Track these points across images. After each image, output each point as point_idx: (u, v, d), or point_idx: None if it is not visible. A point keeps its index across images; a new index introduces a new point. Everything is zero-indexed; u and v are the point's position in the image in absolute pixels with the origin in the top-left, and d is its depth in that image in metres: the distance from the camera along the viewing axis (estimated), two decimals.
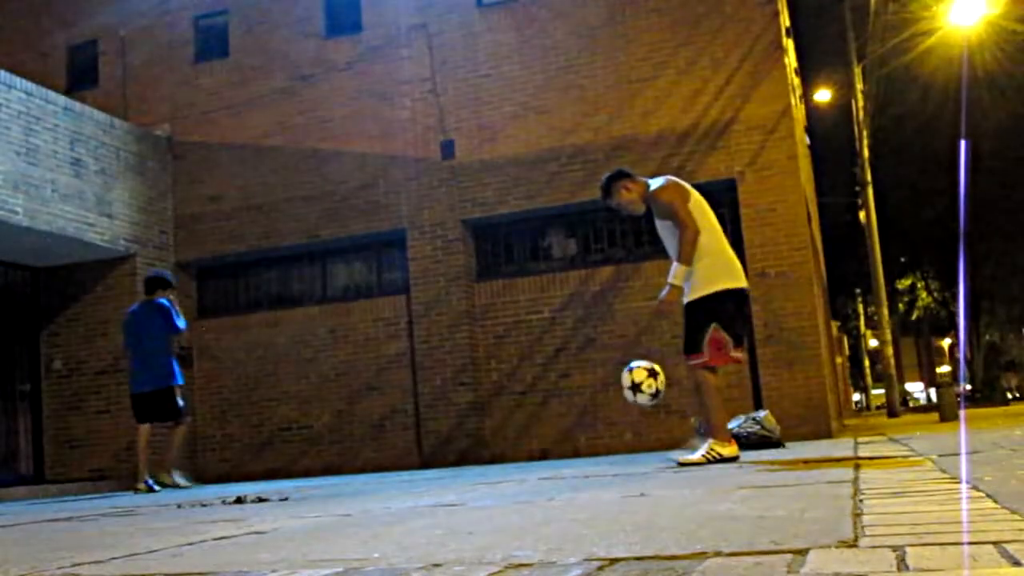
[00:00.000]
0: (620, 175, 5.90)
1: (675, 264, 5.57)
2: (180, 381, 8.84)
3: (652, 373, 5.86)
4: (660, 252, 10.15)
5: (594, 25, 10.49)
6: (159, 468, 8.85)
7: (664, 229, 5.76)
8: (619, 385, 6.04)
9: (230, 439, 11.19)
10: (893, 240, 26.18)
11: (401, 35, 11.10)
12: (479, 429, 10.31)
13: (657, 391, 5.85)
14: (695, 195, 5.71)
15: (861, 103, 19.68)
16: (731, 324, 5.55)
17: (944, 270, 31.30)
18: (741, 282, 5.66)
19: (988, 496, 2.54)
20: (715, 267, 5.55)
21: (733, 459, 5.39)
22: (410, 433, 10.59)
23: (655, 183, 5.80)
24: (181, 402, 8.79)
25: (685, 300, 5.58)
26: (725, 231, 6.01)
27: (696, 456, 5.43)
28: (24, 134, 9.57)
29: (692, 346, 5.54)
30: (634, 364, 5.99)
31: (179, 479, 8.89)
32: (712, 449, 5.39)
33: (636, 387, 5.85)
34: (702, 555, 1.85)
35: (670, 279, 5.56)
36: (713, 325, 5.48)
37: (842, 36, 19.21)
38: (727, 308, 5.55)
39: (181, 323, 8.83)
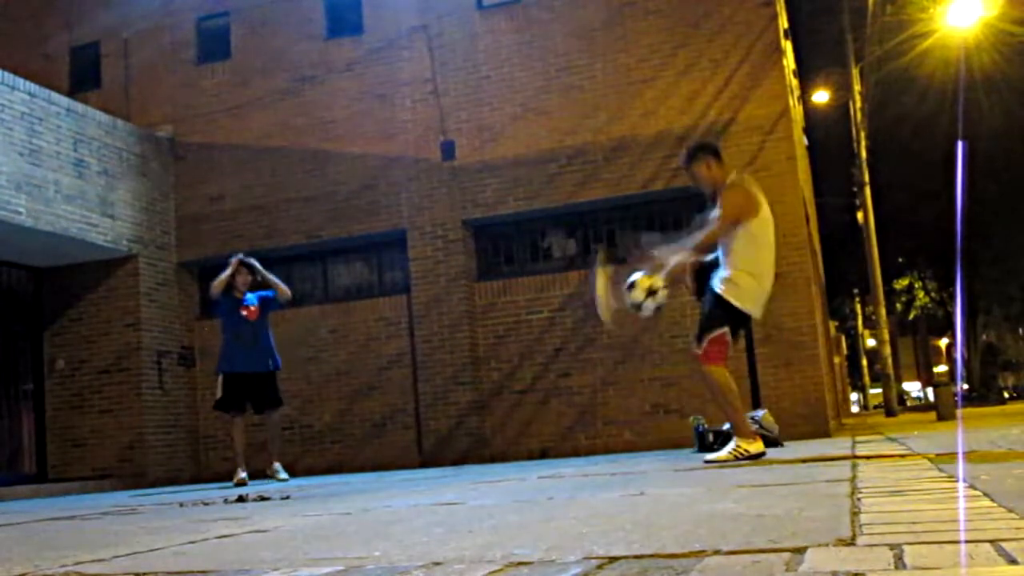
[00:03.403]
0: (712, 152, 5.79)
1: (691, 241, 5.59)
2: (220, 369, 8.60)
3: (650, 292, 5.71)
4: None
5: (594, 27, 10.51)
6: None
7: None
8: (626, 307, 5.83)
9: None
10: (891, 240, 26.23)
11: (402, 36, 11.13)
12: (479, 428, 10.34)
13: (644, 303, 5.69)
14: (764, 211, 5.61)
15: (859, 104, 19.72)
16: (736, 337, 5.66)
17: (941, 270, 31.39)
18: (758, 313, 5.72)
19: (985, 495, 2.55)
20: (759, 290, 5.58)
21: (759, 455, 5.43)
22: (411, 432, 10.62)
23: (732, 179, 5.68)
24: (219, 393, 8.56)
25: (718, 290, 5.54)
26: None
27: (723, 454, 5.49)
28: (27, 135, 9.59)
29: (698, 334, 5.58)
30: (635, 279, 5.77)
31: (239, 472, 8.52)
32: (739, 447, 5.43)
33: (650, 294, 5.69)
34: (701, 553, 1.86)
35: (680, 249, 5.57)
36: (725, 330, 5.52)
37: (840, 38, 19.25)
38: (745, 325, 5.70)
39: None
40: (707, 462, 5.43)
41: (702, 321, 5.61)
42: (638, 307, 5.63)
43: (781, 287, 9.56)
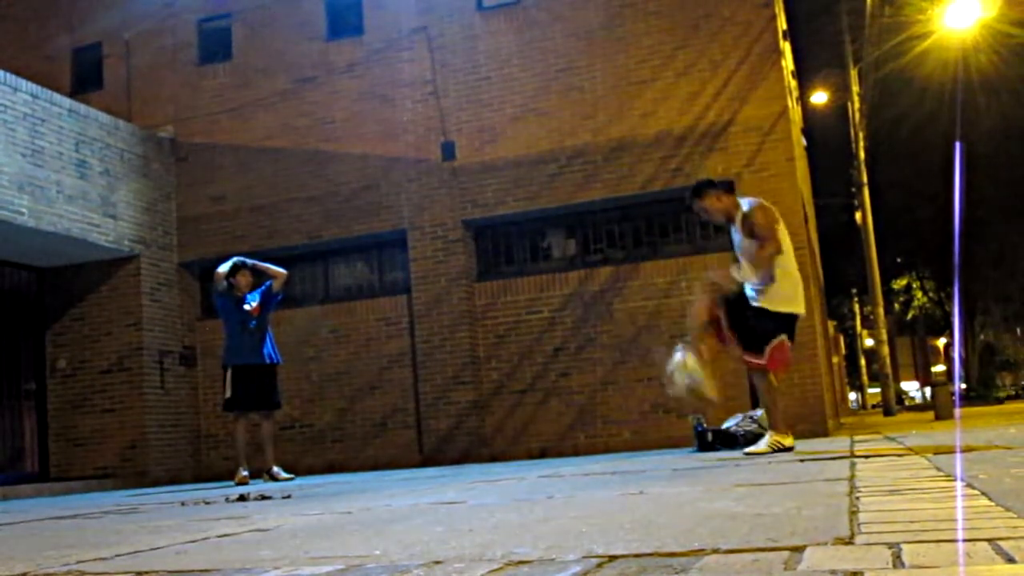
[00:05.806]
0: (715, 185, 6.35)
1: (745, 266, 6.06)
2: (228, 362, 8.50)
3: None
4: (658, 253, 10.27)
5: (593, 28, 10.53)
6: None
7: (746, 246, 6.13)
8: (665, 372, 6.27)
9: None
10: (889, 240, 26.25)
11: (402, 38, 11.14)
12: (479, 428, 10.36)
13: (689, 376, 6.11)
14: (781, 221, 6.17)
15: (857, 105, 19.72)
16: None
17: (940, 270, 31.40)
18: (802, 308, 6.19)
19: (983, 494, 2.56)
20: (796, 291, 6.06)
21: (790, 448, 5.93)
22: (411, 432, 10.64)
23: (746, 204, 6.17)
24: (228, 392, 8.47)
25: (757, 304, 5.98)
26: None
27: (761, 447, 5.98)
28: (29, 136, 9.61)
29: (756, 346, 5.98)
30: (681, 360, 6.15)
31: (241, 471, 8.41)
32: (775, 440, 5.94)
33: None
34: (700, 552, 1.87)
35: (736, 275, 6.06)
36: (783, 337, 5.98)
37: (839, 39, 19.25)
38: (793, 327, 6.10)
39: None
40: (746, 454, 5.94)
41: (756, 335, 5.97)
42: (692, 388, 6.06)
43: None
